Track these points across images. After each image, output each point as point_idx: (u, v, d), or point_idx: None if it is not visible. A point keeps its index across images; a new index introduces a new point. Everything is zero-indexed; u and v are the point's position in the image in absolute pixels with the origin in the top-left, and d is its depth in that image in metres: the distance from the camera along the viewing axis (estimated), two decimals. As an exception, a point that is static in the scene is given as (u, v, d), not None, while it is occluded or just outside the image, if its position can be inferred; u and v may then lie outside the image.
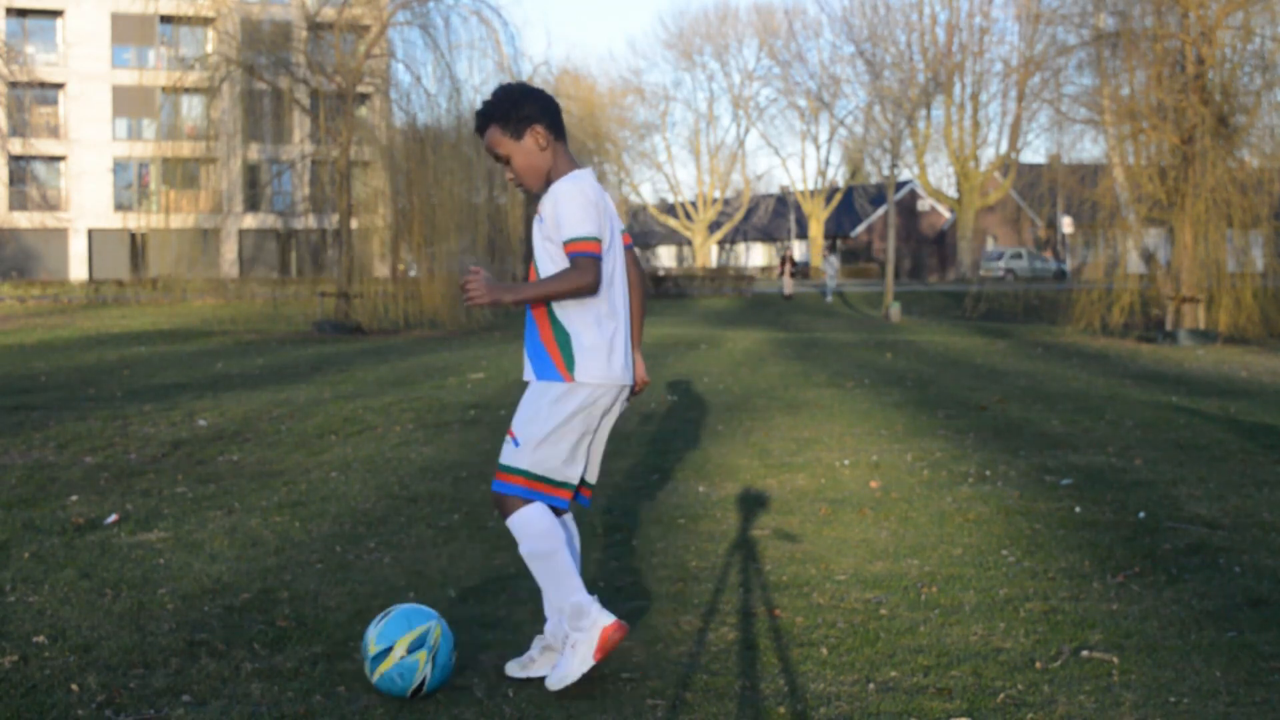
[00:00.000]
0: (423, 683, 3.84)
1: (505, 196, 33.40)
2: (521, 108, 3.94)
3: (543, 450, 3.87)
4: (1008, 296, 36.76)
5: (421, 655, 3.84)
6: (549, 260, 3.90)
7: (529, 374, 3.98)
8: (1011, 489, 7.34)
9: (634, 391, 4.12)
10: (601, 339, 3.88)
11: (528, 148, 3.95)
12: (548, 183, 3.98)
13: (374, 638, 3.88)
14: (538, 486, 3.90)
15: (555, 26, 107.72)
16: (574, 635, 3.89)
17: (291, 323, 26.77)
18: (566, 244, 3.80)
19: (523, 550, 3.91)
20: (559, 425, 3.87)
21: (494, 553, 5.77)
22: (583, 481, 4.06)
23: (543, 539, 3.87)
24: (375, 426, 10.15)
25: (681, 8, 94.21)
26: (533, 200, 4.06)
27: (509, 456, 3.92)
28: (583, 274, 3.76)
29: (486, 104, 3.98)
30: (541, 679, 4.02)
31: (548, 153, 3.96)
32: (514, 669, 4.07)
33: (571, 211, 3.81)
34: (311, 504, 6.89)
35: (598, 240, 3.80)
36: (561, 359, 3.88)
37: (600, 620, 3.87)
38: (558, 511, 4.04)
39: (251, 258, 47.39)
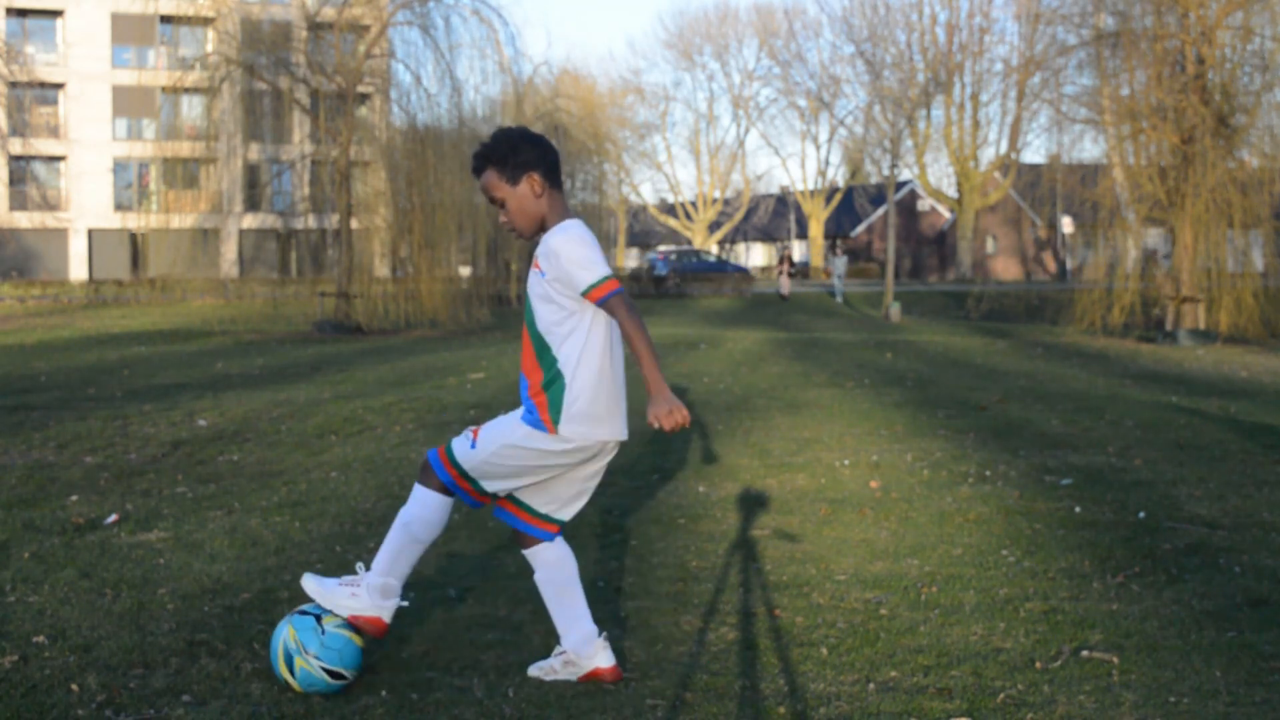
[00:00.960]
0: (333, 669, 3.89)
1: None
2: (519, 153, 3.92)
3: (490, 464, 3.89)
4: (1008, 296, 36.77)
5: (292, 634, 3.92)
6: (551, 318, 3.84)
7: (521, 413, 3.95)
8: (1011, 489, 7.34)
9: (673, 428, 4.01)
10: (595, 394, 3.84)
11: (522, 194, 3.93)
12: (540, 229, 3.95)
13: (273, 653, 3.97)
14: (464, 485, 3.96)
15: (555, 26, 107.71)
16: (363, 591, 3.97)
17: (291, 323, 26.77)
18: (591, 291, 3.74)
19: (403, 516, 3.99)
20: (518, 453, 3.86)
21: (494, 553, 5.78)
22: (550, 519, 4.05)
23: (425, 526, 3.97)
24: (375, 426, 10.15)
25: (681, 8, 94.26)
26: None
27: (460, 451, 3.93)
28: (631, 311, 3.72)
29: (484, 146, 3.97)
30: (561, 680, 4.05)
31: (542, 200, 3.94)
32: (535, 670, 4.09)
33: (580, 259, 3.75)
34: (311, 504, 6.89)
35: (615, 277, 3.78)
36: (548, 412, 3.84)
37: (385, 611, 3.97)
38: (531, 541, 4.08)
39: (251, 258, 47.37)
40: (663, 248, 66.97)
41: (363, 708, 3.77)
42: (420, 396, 12.38)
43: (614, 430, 3.90)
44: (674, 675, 4.08)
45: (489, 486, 3.95)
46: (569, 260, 3.77)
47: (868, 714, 3.72)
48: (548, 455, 3.86)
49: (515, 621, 4.67)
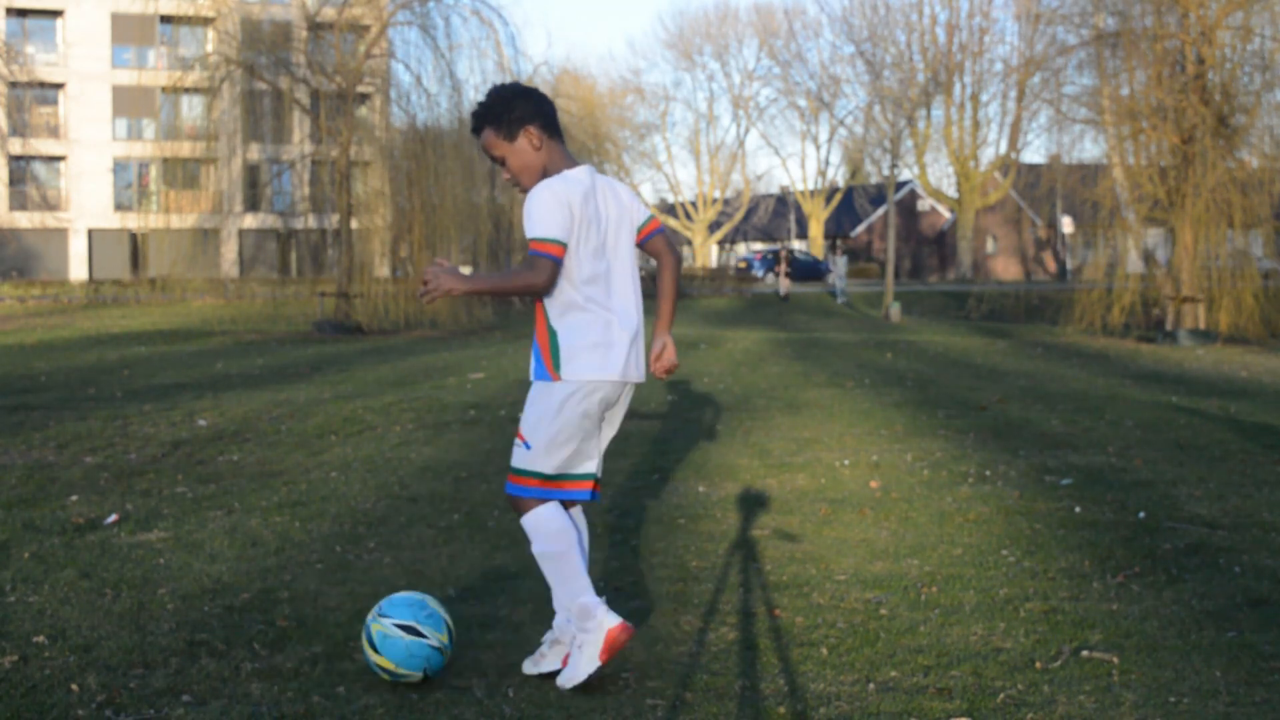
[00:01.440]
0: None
1: (505, 196, 33.43)
2: (514, 109, 3.94)
3: (554, 451, 3.90)
4: (1008, 296, 36.77)
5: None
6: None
7: (531, 373, 4.01)
8: (1011, 489, 7.34)
9: (665, 372, 4.08)
10: (589, 338, 3.88)
11: (521, 148, 3.96)
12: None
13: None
14: (554, 485, 3.94)
15: (555, 26, 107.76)
16: (581, 636, 3.93)
17: (291, 323, 26.77)
18: (529, 242, 3.83)
19: (534, 550, 3.96)
20: (564, 424, 3.89)
21: (494, 553, 5.78)
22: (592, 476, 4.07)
23: (553, 539, 3.91)
24: (375, 426, 10.15)
25: (681, 8, 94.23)
26: None
27: (521, 459, 3.95)
28: (535, 273, 3.79)
29: (480, 105, 4.00)
30: (549, 675, 4.03)
31: (542, 153, 3.97)
32: (528, 666, 4.09)
33: (535, 211, 3.82)
34: (311, 504, 6.89)
35: (557, 242, 3.80)
36: (550, 358, 3.91)
37: (606, 622, 3.89)
38: (569, 504, 4.07)
39: (251, 258, 47.40)
40: (758, 246, 67.04)
41: (363, 708, 3.77)
42: (420, 396, 12.38)
43: (611, 370, 3.90)
44: (674, 675, 4.08)
45: (559, 469, 3.92)
46: (529, 207, 3.85)
47: (868, 714, 3.72)
48: (576, 405, 3.87)
49: (515, 621, 4.67)
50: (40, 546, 5.79)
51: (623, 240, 4.03)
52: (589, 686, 3.93)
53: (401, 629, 3.92)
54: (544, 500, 3.94)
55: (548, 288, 3.84)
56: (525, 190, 4.02)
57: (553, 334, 3.91)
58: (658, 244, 4.15)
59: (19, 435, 9.45)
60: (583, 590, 3.93)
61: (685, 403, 11.91)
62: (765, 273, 55.47)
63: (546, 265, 3.80)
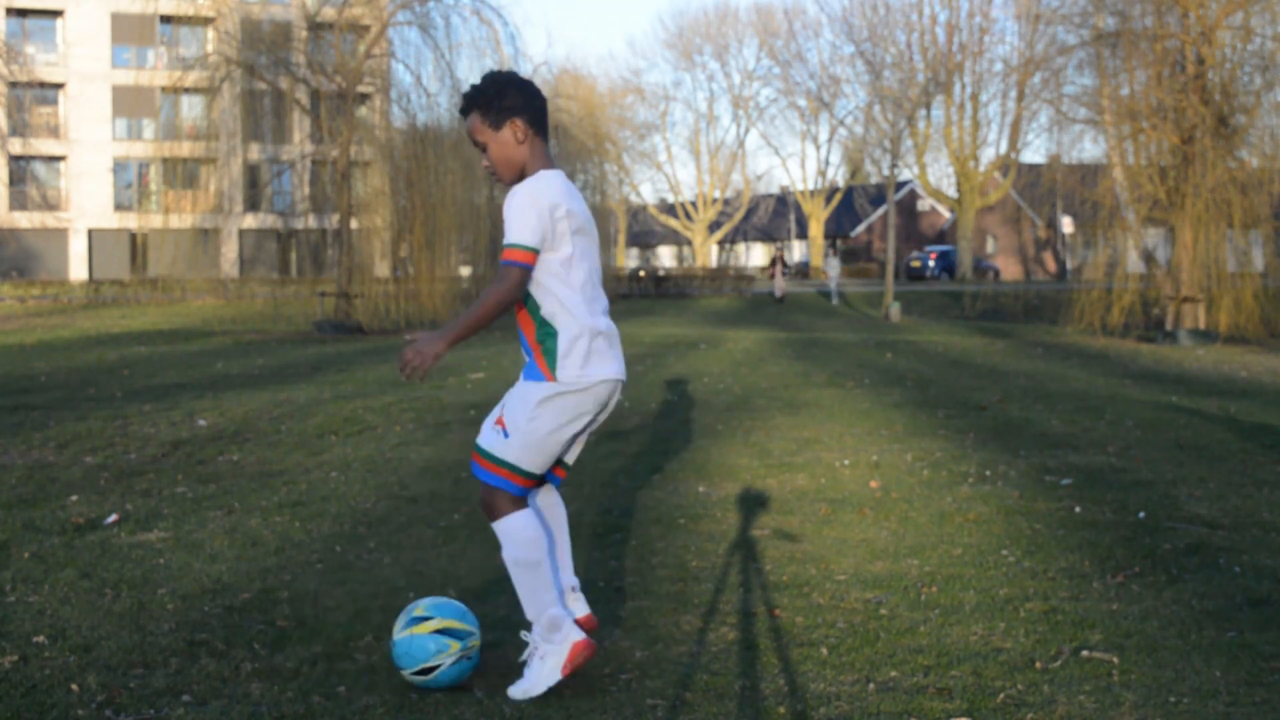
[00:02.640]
0: (434, 669, 3.90)
1: (505, 196, 33.42)
2: (504, 97, 3.89)
3: (532, 449, 3.85)
4: (1007, 296, 36.77)
5: (454, 645, 3.91)
6: (543, 268, 3.83)
7: (521, 374, 3.98)
8: (1011, 489, 7.33)
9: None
10: (586, 340, 3.84)
11: (504, 139, 3.91)
12: (521, 176, 3.94)
13: (423, 605, 4.02)
14: (515, 479, 3.88)
15: (555, 26, 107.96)
16: (545, 647, 3.89)
17: (291, 323, 26.76)
18: (503, 249, 3.78)
19: (506, 555, 3.90)
20: (550, 427, 3.84)
21: (494, 552, 5.76)
22: (559, 463, 4.04)
23: (529, 547, 3.85)
24: (375, 426, 10.15)
25: (681, 8, 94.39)
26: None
27: (495, 446, 3.88)
28: (503, 285, 3.73)
29: (472, 87, 3.96)
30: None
31: (524, 147, 3.91)
32: (516, 693, 3.98)
33: (513, 216, 3.77)
34: (311, 504, 6.89)
35: (528, 249, 3.74)
36: (544, 359, 3.85)
37: (571, 635, 3.88)
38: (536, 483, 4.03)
39: (251, 258, 47.44)
40: (932, 247, 66.45)
41: (363, 708, 3.77)
42: (420, 396, 12.38)
43: (611, 370, 3.88)
44: (674, 675, 4.08)
45: (535, 469, 3.87)
46: (508, 211, 3.80)
47: (868, 714, 3.72)
48: (564, 407, 3.82)
49: (515, 621, 4.67)
50: (40, 546, 5.79)
51: (597, 240, 4.00)
52: (585, 685, 3.93)
53: (428, 667, 3.90)
54: (518, 498, 3.88)
55: (516, 296, 3.76)
56: (501, 181, 3.98)
57: (549, 335, 3.84)
58: None
59: (19, 435, 9.45)
60: (551, 602, 3.88)
61: (685, 403, 11.92)
62: (940, 273, 56.39)
63: (514, 274, 3.73)
